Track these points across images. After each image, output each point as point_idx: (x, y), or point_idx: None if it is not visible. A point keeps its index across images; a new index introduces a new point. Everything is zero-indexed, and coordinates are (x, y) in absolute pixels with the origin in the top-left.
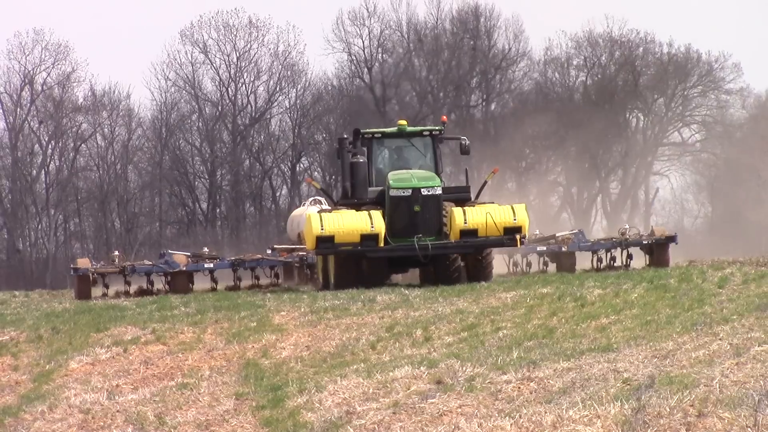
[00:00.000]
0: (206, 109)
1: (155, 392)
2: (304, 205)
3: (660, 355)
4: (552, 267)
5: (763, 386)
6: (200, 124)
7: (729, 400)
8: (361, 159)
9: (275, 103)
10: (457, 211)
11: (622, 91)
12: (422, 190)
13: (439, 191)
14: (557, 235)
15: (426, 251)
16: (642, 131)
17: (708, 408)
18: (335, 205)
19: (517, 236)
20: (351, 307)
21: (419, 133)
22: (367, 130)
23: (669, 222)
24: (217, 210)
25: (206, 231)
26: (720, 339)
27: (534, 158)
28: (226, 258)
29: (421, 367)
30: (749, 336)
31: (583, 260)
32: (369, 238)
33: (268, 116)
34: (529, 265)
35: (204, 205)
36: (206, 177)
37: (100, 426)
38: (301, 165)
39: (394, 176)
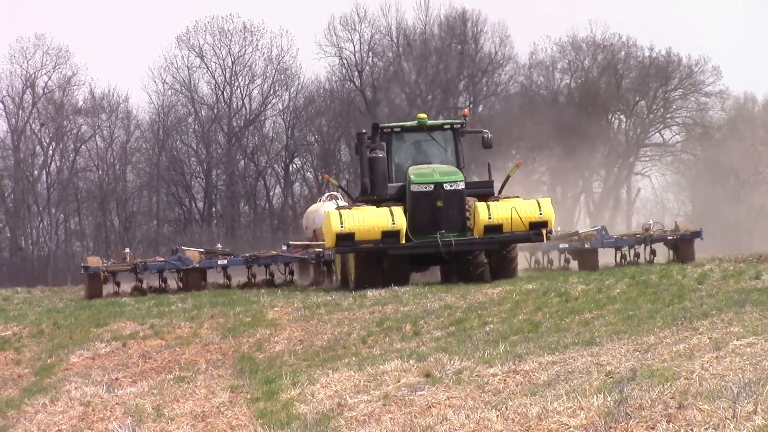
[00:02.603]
0: (202, 111)
1: (153, 385)
2: (320, 201)
3: (641, 348)
4: (574, 264)
5: (741, 379)
6: (196, 126)
7: (708, 392)
8: (380, 154)
9: (269, 106)
10: (481, 206)
11: (605, 94)
12: (445, 185)
13: (462, 186)
14: (580, 231)
15: (450, 248)
16: (624, 132)
17: (688, 400)
18: (354, 201)
19: (544, 231)
20: (342, 303)
21: (440, 127)
22: (387, 124)
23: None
24: (213, 209)
25: (202, 229)
26: (700, 333)
27: (520, 159)
28: (241, 254)
29: (411, 361)
30: (728, 330)
31: (606, 257)
32: (390, 235)
33: (262, 118)
34: (550, 262)
35: (200, 205)
36: (202, 177)
37: (100, 418)
38: (294, 165)
39: (415, 171)
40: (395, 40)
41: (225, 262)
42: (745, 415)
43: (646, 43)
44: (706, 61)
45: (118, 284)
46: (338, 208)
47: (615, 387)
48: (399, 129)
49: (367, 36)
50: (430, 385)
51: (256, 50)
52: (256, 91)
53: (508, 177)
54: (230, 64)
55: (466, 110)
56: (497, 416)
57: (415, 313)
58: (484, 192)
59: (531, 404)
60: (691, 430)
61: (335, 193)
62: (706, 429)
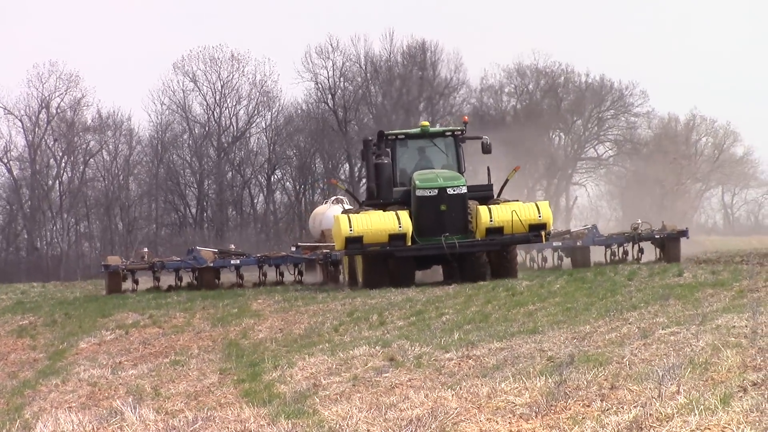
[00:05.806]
0: (195, 129)
1: (152, 368)
2: (326, 204)
3: (579, 336)
4: (567, 262)
5: (666, 363)
6: (190, 141)
7: (637, 375)
8: (386, 160)
9: (253, 124)
10: (483, 210)
11: (546, 114)
12: (448, 189)
13: (464, 190)
14: (572, 230)
15: (454, 249)
16: (563, 148)
17: (619, 382)
18: (360, 205)
19: (543, 233)
20: (317, 296)
21: (441, 134)
22: (391, 131)
23: (586, 225)
24: (204, 214)
25: (195, 232)
26: (629, 323)
27: (472, 171)
28: (253, 255)
29: (377, 347)
30: (654, 321)
31: (596, 255)
32: (397, 238)
33: (248, 135)
34: (544, 260)
35: (193, 210)
36: (195, 186)
37: (105, 396)
38: (275, 176)
39: (419, 176)
40: (364, 67)
41: (237, 261)
42: (669, 395)
43: (582, 70)
44: (635, 85)
45: (136, 282)
46: (346, 211)
47: (555, 370)
48: (403, 136)
49: (339, 63)
50: (393, 368)
51: (242, 75)
52: (242, 111)
53: (506, 180)
54: (220, 87)
55: (466, 117)
56: (452, 395)
57: (380, 305)
58: (484, 195)
59: (482, 385)
60: (622, 407)
61: (341, 197)
62: (635, 407)
